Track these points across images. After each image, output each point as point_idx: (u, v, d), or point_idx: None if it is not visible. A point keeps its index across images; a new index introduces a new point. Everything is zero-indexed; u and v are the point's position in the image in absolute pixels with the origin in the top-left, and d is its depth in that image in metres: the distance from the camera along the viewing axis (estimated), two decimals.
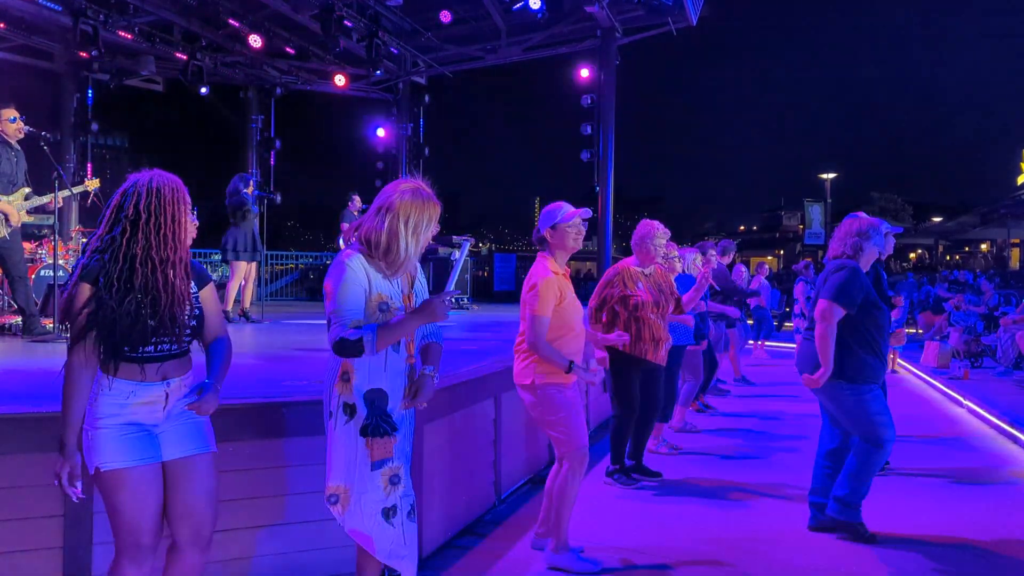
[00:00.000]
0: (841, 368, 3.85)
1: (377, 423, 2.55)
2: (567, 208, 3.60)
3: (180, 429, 2.39)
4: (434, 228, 2.67)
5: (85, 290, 2.23)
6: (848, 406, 3.91)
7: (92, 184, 6.68)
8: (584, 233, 3.66)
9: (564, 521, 3.55)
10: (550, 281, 3.49)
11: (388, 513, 2.59)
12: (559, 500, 3.53)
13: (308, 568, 3.30)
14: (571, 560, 3.54)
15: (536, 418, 3.61)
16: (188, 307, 2.36)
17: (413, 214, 2.55)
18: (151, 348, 2.29)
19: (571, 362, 3.46)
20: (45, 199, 6.01)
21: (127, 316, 2.22)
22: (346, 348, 2.44)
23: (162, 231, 2.28)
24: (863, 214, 4.46)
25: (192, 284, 2.43)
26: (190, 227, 2.40)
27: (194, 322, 2.40)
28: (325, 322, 2.57)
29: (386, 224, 2.53)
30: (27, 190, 5.93)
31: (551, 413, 3.51)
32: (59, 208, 6.14)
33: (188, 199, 2.37)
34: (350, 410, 2.54)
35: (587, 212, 3.61)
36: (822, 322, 3.82)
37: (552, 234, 3.59)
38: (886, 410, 3.94)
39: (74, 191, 6.48)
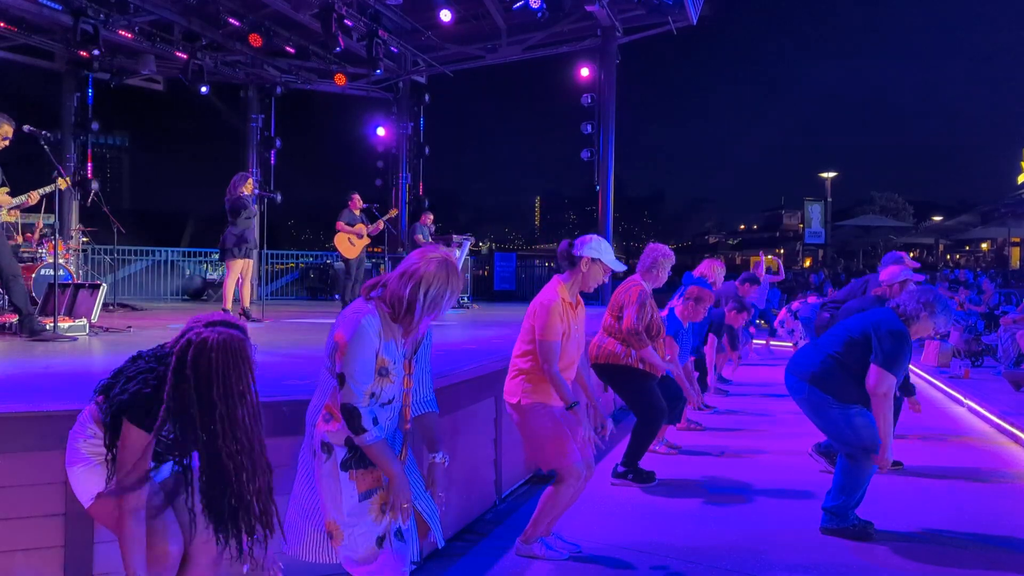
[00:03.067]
0: (834, 385, 3.89)
1: (361, 455, 2.55)
2: (608, 247, 3.64)
3: None
4: (453, 301, 2.66)
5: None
6: (831, 416, 3.92)
7: (63, 183, 6.64)
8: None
9: (541, 524, 3.65)
10: (557, 306, 3.51)
11: (380, 541, 2.59)
12: (546, 506, 3.62)
13: (310, 566, 3.30)
14: (538, 548, 3.65)
15: (525, 438, 3.63)
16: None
17: (435, 285, 2.54)
18: None
19: (575, 403, 3.48)
20: (21, 199, 6.04)
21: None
22: (354, 420, 2.43)
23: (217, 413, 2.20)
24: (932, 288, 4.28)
25: None
26: (252, 406, 2.30)
27: None
28: (337, 376, 2.52)
29: (408, 291, 2.52)
30: (6, 190, 5.95)
31: (535, 432, 3.54)
32: (59, 207, 6.16)
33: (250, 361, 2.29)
34: (327, 448, 2.55)
35: (622, 266, 3.72)
36: (883, 399, 3.76)
37: (590, 265, 3.59)
38: (872, 423, 3.89)
39: (45, 191, 6.44)
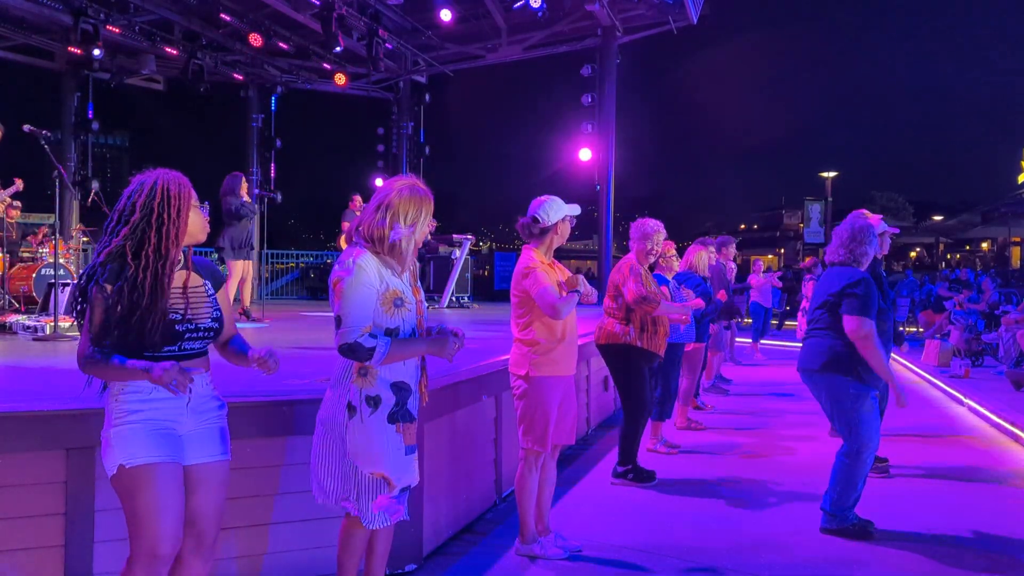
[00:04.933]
0: (850, 365, 3.90)
1: (406, 409, 2.62)
2: (560, 201, 3.68)
3: (203, 432, 2.36)
4: (431, 223, 2.73)
5: (100, 293, 2.19)
6: (846, 405, 3.95)
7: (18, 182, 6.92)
8: None
9: (527, 514, 3.66)
10: (537, 264, 3.58)
11: (405, 491, 2.69)
12: (519, 498, 3.65)
13: (311, 565, 3.31)
14: (538, 548, 3.67)
15: (517, 406, 3.65)
16: (208, 309, 2.37)
17: (411, 210, 2.61)
18: (175, 348, 2.28)
19: (575, 290, 3.49)
20: None
21: (148, 317, 2.19)
22: (356, 353, 2.47)
23: (165, 228, 2.26)
24: (865, 212, 4.46)
25: (209, 285, 2.44)
26: (200, 221, 2.38)
27: (216, 324, 2.39)
28: (333, 319, 2.58)
29: (387, 221, 2.58)
30: None
31: (533, 408, 3.57)
32: (59, 207, 6.18)
33: (193, 195, 2.36)
34: (374, 401, 2.56)
35: (577, 207, 3.75)
36: (864, 340, 3.83)
37: (560, 226, 3.66)
38: (877, 420, 4.00)
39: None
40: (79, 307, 2.23)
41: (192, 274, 2.39)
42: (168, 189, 2.28)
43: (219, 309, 2.43)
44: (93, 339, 2.21)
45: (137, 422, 2.22)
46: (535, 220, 3.64)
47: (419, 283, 2.78)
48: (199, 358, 2.38)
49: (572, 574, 3.53)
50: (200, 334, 2.34)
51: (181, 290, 2.33)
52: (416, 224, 2.62)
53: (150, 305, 2.21)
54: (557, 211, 3.64)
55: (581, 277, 3.52)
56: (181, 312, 2.30)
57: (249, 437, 3.19)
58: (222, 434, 2.43)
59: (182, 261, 2.37)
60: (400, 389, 2.61)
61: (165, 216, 2.26)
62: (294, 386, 3.56)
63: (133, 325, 2.19)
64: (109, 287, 2.19)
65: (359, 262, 2.52)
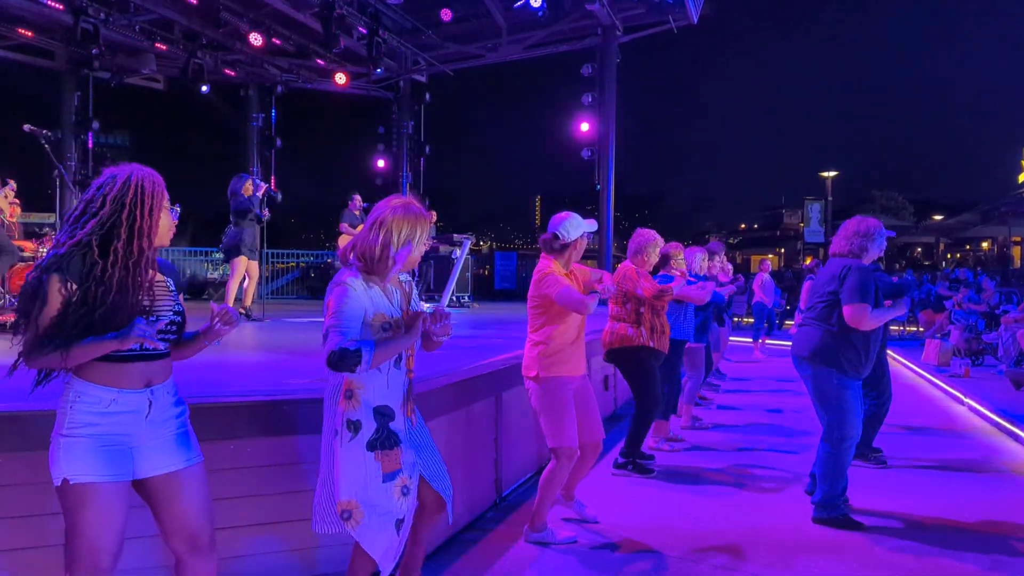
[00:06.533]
0: (835, 357, 4.03)
1: (386, 435, 2.61)
2: (579, 218, 3.83)
3: (161, 443, 2.28)
4: (427, 243, 2.76)
5: (62, 285, 2.10)
6: (828, 394, 4.08)
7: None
8: None
9: (544, 508, 3.79)
10: (554, 270, 3.74)
11: (399, 524, 2.63)
12: (543, 488, 3.77)
13: (312, 565, 3.31)
14: (548, 535, 3.80)
15: (535, 408, 3.80)
16: (170, 303, 2.33)
17: (405, 228, 2.63)
18: (136, 346, 2.16)
19: (595, 291, 3.67)
20: None
21: (113, 314, 2.11)
22: (345, 358, 2.42)
23: (137, 225, 2.18)
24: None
25: (171, 283, 2.40)
26: (168, 223, 2.32)
27: (179, 318, 2.34)
28: (323, 335, 2.57)
29: (380, 238, 2.60)
30: None
31: (548, 407, 3.71)
32: (59, 207, 6.20)
33: (166, 195, 2.29)
34: (354, 427, 2.57)
35: (595, 224, 3.91)
36: (863, 323, 3.93)
37: (579, 242, 3.80)
38: (859, 409, 4.12)
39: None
40: (33, 298, 2.09)
41: (156, 272, 2.34)
42: (143, 186, 2.21)
43: (181, 304, 2.39)
44: (42, 333, 2.09)
45: (88, 436, 2.15)
46: (556, 236, 3.79)
47: (411, 307, 2.74)
48: (161, 361, 2.30)
49: (581, 560, 3.58)
50: (163, 327, 2.27)
51: (148, 286, 2.27)
52: (412, 242, 2.64)
53: (118, 302, 2.12)
54: (576, 228, 3.79)
55: (598, 273, 3.71)
56: (146, 306, 2.23)
57: (250, 436, 3.19)
58: (186, 439, 2.35)
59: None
60: (382, 415, 2.60)
61: (138, 213, 2.18)
62: (294, 386, 3.56)
63: (97, 323, 2.09)
64: (72, 284, 2.10)
65: (348, 282, 2.55)
